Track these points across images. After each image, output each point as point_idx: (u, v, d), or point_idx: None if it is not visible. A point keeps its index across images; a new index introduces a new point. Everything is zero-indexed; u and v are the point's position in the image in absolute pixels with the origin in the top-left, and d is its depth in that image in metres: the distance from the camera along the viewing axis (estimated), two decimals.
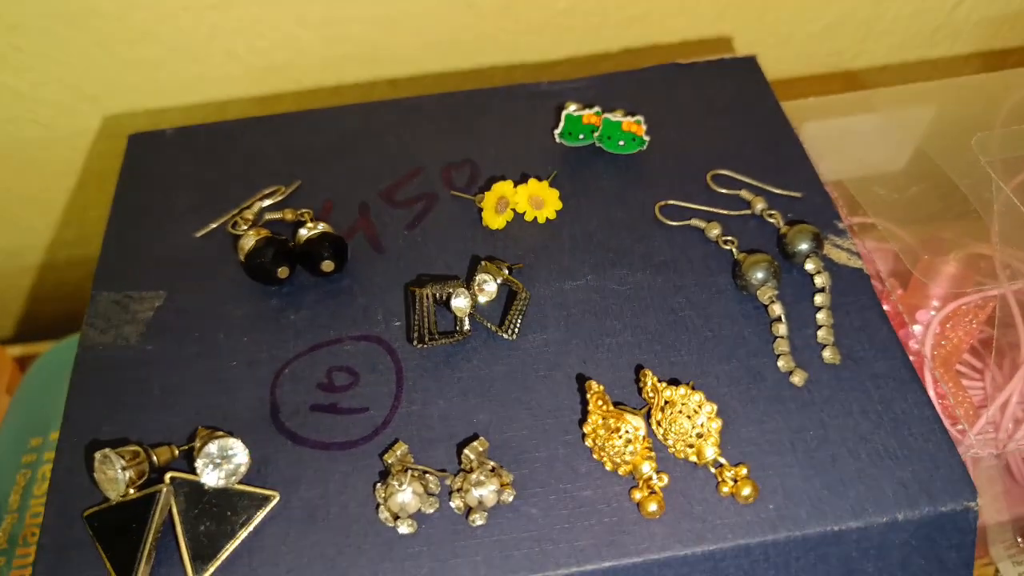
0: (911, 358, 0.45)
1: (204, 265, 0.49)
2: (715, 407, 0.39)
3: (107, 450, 0.38)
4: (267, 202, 0.50)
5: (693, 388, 0.40)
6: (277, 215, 0.49)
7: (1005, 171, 0.55)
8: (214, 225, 0.50)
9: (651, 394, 0.40)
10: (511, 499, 0.39)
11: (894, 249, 0.56)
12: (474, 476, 0.38)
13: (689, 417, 0.39)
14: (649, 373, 0.41)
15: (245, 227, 0.48)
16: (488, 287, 0.43)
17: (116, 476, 0.37)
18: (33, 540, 0.60)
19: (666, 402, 0.40)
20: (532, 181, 0.49)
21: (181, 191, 0.53)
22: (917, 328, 0.52)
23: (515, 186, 0.49)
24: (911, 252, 0.54)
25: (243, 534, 0.38)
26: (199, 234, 0.50)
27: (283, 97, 0.72)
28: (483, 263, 0.44)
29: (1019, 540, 0.57)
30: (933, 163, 0.59)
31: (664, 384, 0.40)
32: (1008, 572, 0.60)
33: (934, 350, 0.51)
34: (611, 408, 0.40)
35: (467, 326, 0.43)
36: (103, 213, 0.81)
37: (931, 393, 0.49)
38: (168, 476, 0.39)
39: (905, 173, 0.61)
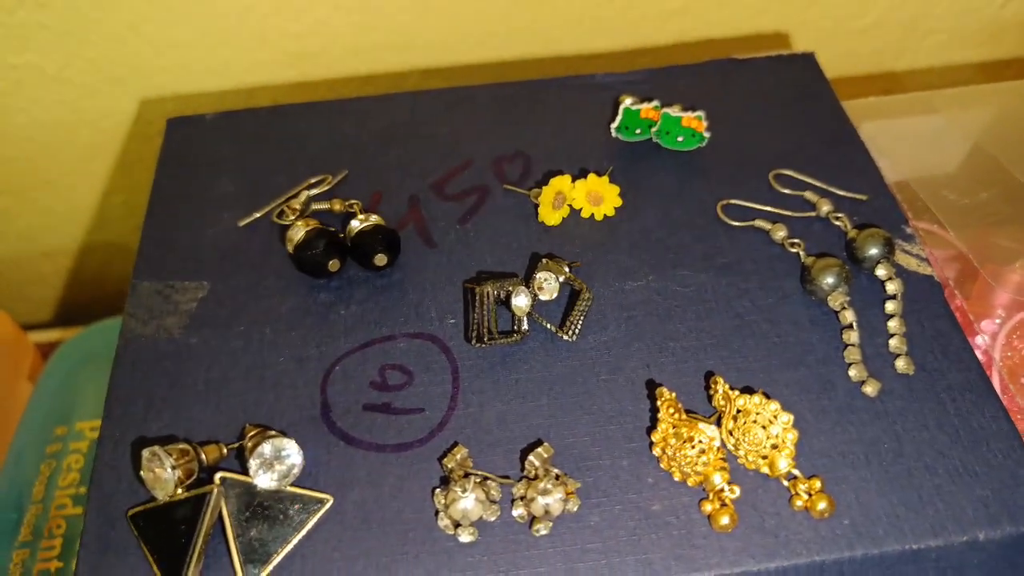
0: None
1: (248, 255, 0.47)
2: (792, 417, 0.38)
3: (156, 448, 0.36)
4: (314, 191, 0.48)
5: (767, 397, 0.38)
6: (325, 205, 0.48)
7: None
8: (258, 214, 0.48)
9: (722, 402, 0.39)
10: (576, 508, 0.37)
11: (955, 254, 0.54)
12: (541, 484, 0.36)
13: (764, 427, 0.38)
14: (720, 380, 0.39)
15: (292, 217, 0.46)
16: (549, 286, 0.41)
17: (165, 475, 0.36)
18: (59, 532, 0.58)
19: (739, 411, 0.38)
20: (591, 176, 0.47)
21: (222, 178, 0.51)
22: (981, 339, 0.50)
23: (573, 181, 0.47)
24: (976, 258, 0.52)
25: (296, 538, 0.36)
26: (243, 223, 0.48)
27: (314, 84, 0.70)
28: (544, 261, 0.42)
29: None
30: (996, 165, 0.57)
31: (737, 392, 0.38)
32: None
33: (1002, 361, 0.49)
34: (683, 416, 0.38)
35: (526, 326, 0.42)
36: (126, 199, 0.79)
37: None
38: (218, 476, 0.37)
39: (966, 175, 0.59)
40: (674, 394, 0.39)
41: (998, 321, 0.51)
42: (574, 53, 0.70)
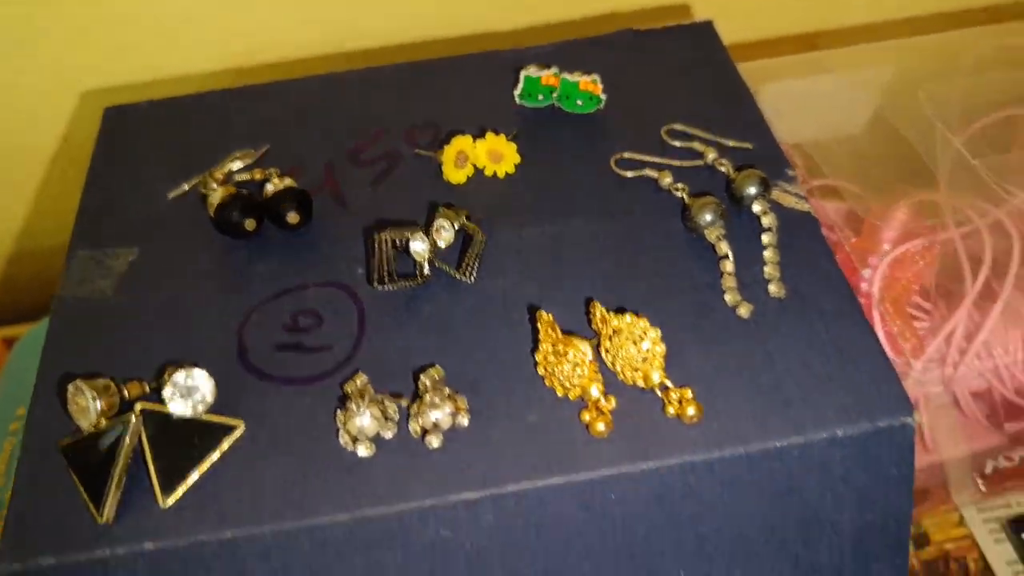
0: (861, 300, 0.47)
1: (176, 224, 0.51)
2: (659, 332, 0.41)
3: (79, 381, 0.40)
4: (237, 164, 0.52)
5: (637, 315, 0.42)
6: (246, 176, 0.52)
7: (952, 124, 0.57)
8: (186, 187, 0.52)
9: (600, 324, 0.42)
10: (466, 423, 0.41)
11: (849, 205, 0.58)
12: (428, 398, 0.40)
13: (635, 343, 0.41)
14: (598, 305, 0.43)
15: (215, 186, 0.50)
16: (445, 232, 0.45)
17: (88, 406, 0.39)
18: None
19: (614, 331, 0.42)
20: (490, 135, 0.51)
21: (154, 159, 0.55)
22: (867, 273, 0.54)
23: (474, 141, 0.51)
24: (864, 201, 0.56)
25: (209, 460, 0.40)
26: (171, 195, 0.52)
27: (256, 71, 0.74)
28: (441, 209, 0.46)
29: (978, 481, 0.58)
30: (891, 124, 0.61)
31: (612, 314, 0.42)
32: (972, 518, 0.62)
33: (883, 292, 0.53)
34: (560, 335, 0.41)
35: (427, 270, 0.45)
36: (58, 204, 0.82)
37: (880, 333, 0.51)
38: (137, 406, 0.41)
39: (864, 134, 0.63)
40: (551, 315, 0.42)
41: (883, 257, 0.54)
42: (483, 32, 0.74)
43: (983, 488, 0.60)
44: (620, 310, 0.43)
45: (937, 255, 0.53)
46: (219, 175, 0.50)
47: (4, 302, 0.90)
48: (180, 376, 0.40)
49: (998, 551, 0.60)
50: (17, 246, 0.87)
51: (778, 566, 0.42)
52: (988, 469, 0.60)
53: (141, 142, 0.57)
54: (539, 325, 0.42)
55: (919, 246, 0.53)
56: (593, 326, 0.43)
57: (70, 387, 0.40)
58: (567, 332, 0.43)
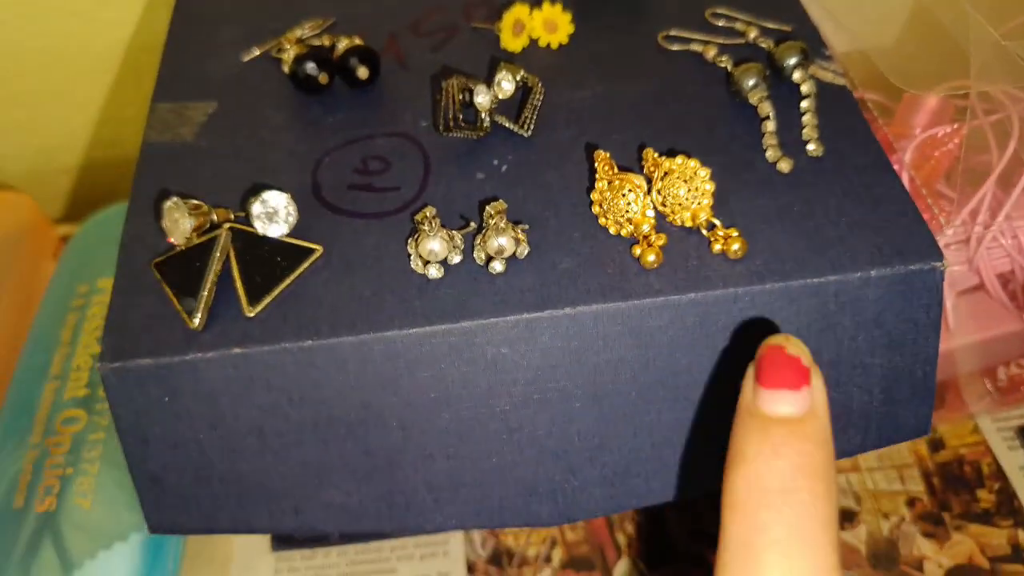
0: None
1: (251, 83, 0.55)
2: (709, 171, 0.44)
3: (176, 198, 0.43)
4: (307, 32, 0.56)
5: (688, 157, 0.45)
6: (316, 42, 0.55)
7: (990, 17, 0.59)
8: (258, 51, 0.55)
9: (652, 168, 0.45)
10: (526, 252, 0.44)
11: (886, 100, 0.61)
12: (493, 223, 0.43)
13: (686, 182, 0.44)
14: (651, 149, 0.46)
15: (288, 47, 0.53)
16: (506, 85, 0.48)
17: (182, 220, 0.43)
18: (85, 367, 0.65)
19: (665, 172, 0.45)
20: (546, 4, 0.54)
21: (227, 28, 0.59)
22: (897, 155, 0.57)
23: (530, 11, 0.54)
24: (899, 91, 0.59)
25: (291, 278, 0.43)
26: (246, 58, 0.56)
27: None
28: (502, 63, 0.49)
29: (989, 387, 0.62)
30: (929, 22, 0.63)
31: (664, 157, 0.45)
32: (987, 427, 0.65)
33: (912, 172, 0.56)
34: (617, 171, 0.45)
35: (487, 123, 0.49)
36: (140, 112, 0.85)
37: None
38: (226, 225, 0.44)
39: (904, 34, 0.65)
40: (608, 153, 0.46)
41: (913, 140, 0.57)
42: None
43: (996, 396, 0.63)
44: (670, 153, 0.47)
45: (964, 138, 0.56)
46: (292, 38, 0.54)
47: (59, 209, 0.92)
48: (268, 194, 0.43)
49: (1011, 457, 0.64)
50: (68, 158, 0.89)
51: None
52: (1001, 376, 0.63)
53: (214, 14, 0.60)
54: (596, 163, 0.45)
55: (948, 129, 0.56)
56: (645, 170, 0.46)
57: (167, 202, 0.43)
58: (622, 169, 0.46)
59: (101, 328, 0.66)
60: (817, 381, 0.35)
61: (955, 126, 0.56)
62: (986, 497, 0.62)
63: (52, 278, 0.74)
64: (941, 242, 0.55)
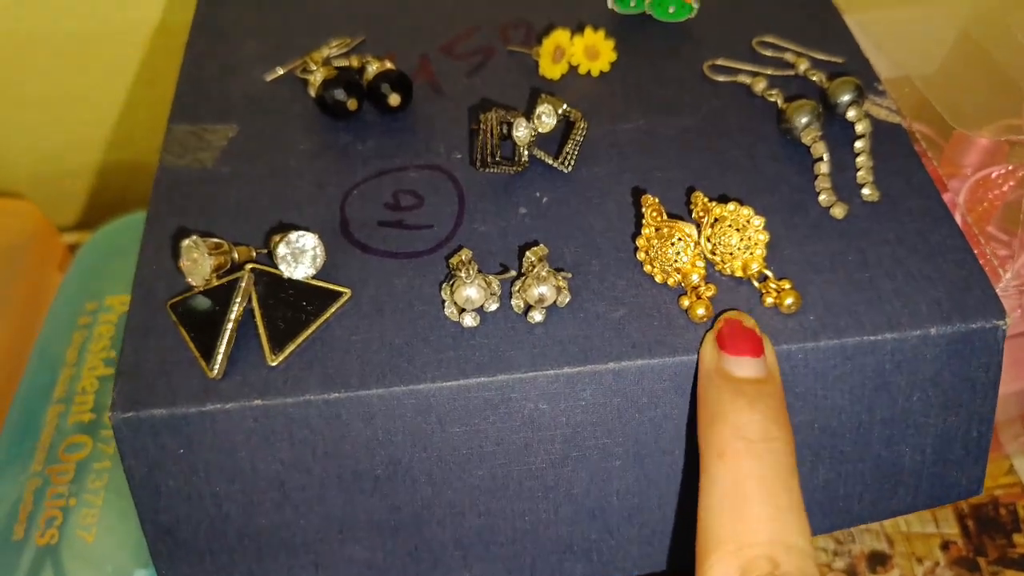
0: None
1: (274, 105, 0.52)
2: (764, 220, 0.42)
3: (195, 237, 0.40)
4: (334, 51, 0.53)
5: (741, 204, 0.42)
6: (344, 62, 0.52)
7: None
8: (282, 71, 0.53)
9: (702, 213, 0.43)
10: (567, 301, 0.41)
11: (933, 133, 0.58)
12: (535, 272, 0.40)
13: (738, 231, 0.42)
14: (700, 193, 0.43)
15: (315, 68, 0.50)
16: (547, 119, 0.46)
17: (202, 261, 0.40)
18: (91, 389, 0.63)
19: (716, 219, 0.42)
20: (588, 31, 0.51)
21: (249, 43, 0.56)
22: (949, 196, 0.54)
23: (571, 36, 0.51)
24: (948, 132, 0.56)
25: (317, 323, 0.41)
26: (269, 78, 0.53)
27: None
28: (543, 96, 0.47)
29: None
30: (976, 52, 0.60)
31: (714, 202, 0.43)
32: (1022, 467, 0.62)
33: (967, 214, 0.53)
34: (666, 219, 0.42)
35: (526, 157, 0.46)
36: (154, 115, 0.83)
37: None
38: (249, 266, 0.41)
39: (949, 62, 0.63)
40: (657, 199, 0.43)
41: (966, 178, 0.55)
42: None
43: None
44: (722, 198, 0.44)
45: (1021, 180, 0.54)
46: (318, 58, 0.51)
47: (70, 213, 0.91)
48: (293, 237, 0.41)
49: None
50: (80, 160, 0.87)
51: (860, 466, 0.43)
52: None
53: (235, 27, 0.57)
54: (644, 208, 0.42)
55: (1002, 170, 0.54)
56: (694, 215, 0.43)
57: (186, 242, 0.40)
58: (671, 214, 0.43)
59: (108, 349, 0.64)
60: (769, 348, 0.39)
61: (1010, 167, 0.53)
62: (1023, 543, 0.60)
63: (58, 293, 0.71)
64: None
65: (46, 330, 0.69)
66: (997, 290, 0.49)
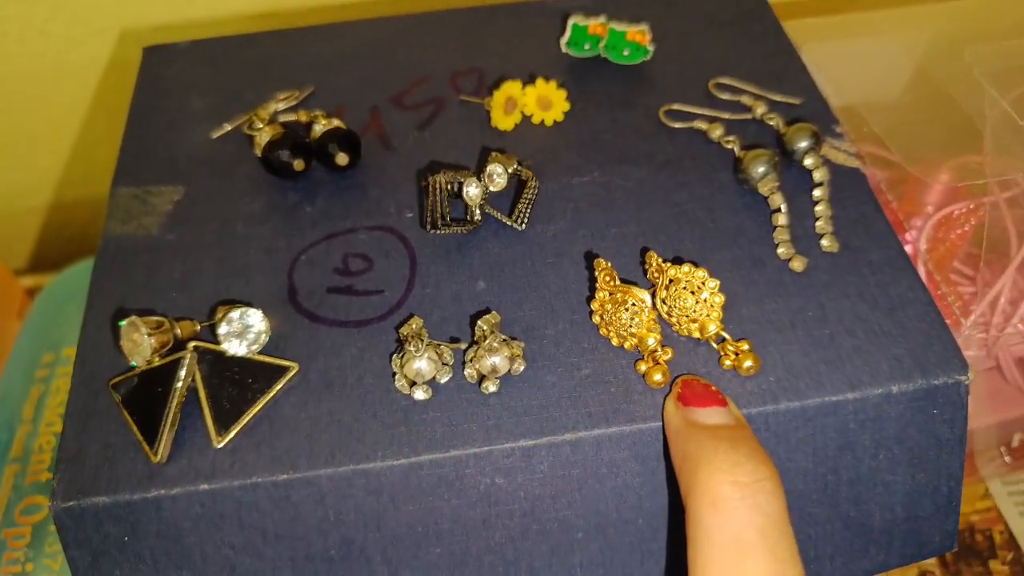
0: None
1: (221, 163, 0.51)
2: (718, 282, 0.41)
3: (134, 317, 0.39)
4: (282, 105, 0.52)
5: (696, 266, 0.41)
6: (291, 117, 0.51)
7: (999, 84, 0.56)
8: (229, 127, 0.52)
9: (656, 274, 0.42)
10: (521, 369, 0.40)
11: (890, 172, 0.57)
12: (487, 343, 0.39)
13: (693, 293, 0.41)
14: (654, 254, 0.42)
15: (261, 126, 0.49)
16: (499, 178, 0.45)
17: (142, 342, 0.39)
18: (48, 447, 0.62)
19: (671, 280, 0.41)
20: (540, 81, 0.50)
21: (196, 98, 0.55)
22: (911, 235, 0.54)
23: (523, 87, 0.50)
24: (906, 164, 0.56)
25: (264, 401, 0.40)
26: (215, 135, 0.52)
27: (289, 14, 0.73)
28: (493, 154, 0.46)
29: (1002, 451, 0.58)
30: (932, 84, 0.60)
31: (668, 263, 0.42)
32: (998, 491, 0.62)
33: (928, 253, 0.53)
34: (618, 283, 0.41)
35: (478, 216, 0.45)
36: (111, 151, 0.82)
37: None
38: (191, 344, 0.40)
39: (905, 96, 0.62)
40: (610, 264, 0.42)
41: (927, 218, 0.54)
42: None
43: (1009, 460, 0.60)
44: (676, 260, 0.43)
45: (982, 218, 0.53)
46: (264, 115, 0.50)
47: (29, 252, 0.90)
48: (236, 315, 0.40)
49: (1023, 524, 0.61)
50: (38, 198, 0.86)
51: (830, 527, 0.42)
52: (1015, 442, 0.60)
53: (181, 82, 0.56)
54: (597, 272, 0.42)
55: (963, 209, 0.53)
56: (649, 276, 0.42)
57: (125, 323, 0.39)
58: (624, 280, 0.42)
59: (64, 404, 0.62)
60: (730, 401, 0.39)
61: (971, 206, 0.53)
62: (999, 569, 0.59)
63: (15, 345, 0.70)
64: (960, 331, 0.51)
65: (3, 385, 0.68)
66: (961, 332, 0.48)
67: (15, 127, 0.80)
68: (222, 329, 0.40)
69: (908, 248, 0.53)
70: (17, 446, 0.63)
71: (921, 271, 0.52)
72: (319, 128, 0.48)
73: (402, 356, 0.40)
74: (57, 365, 0.67)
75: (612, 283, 0.41)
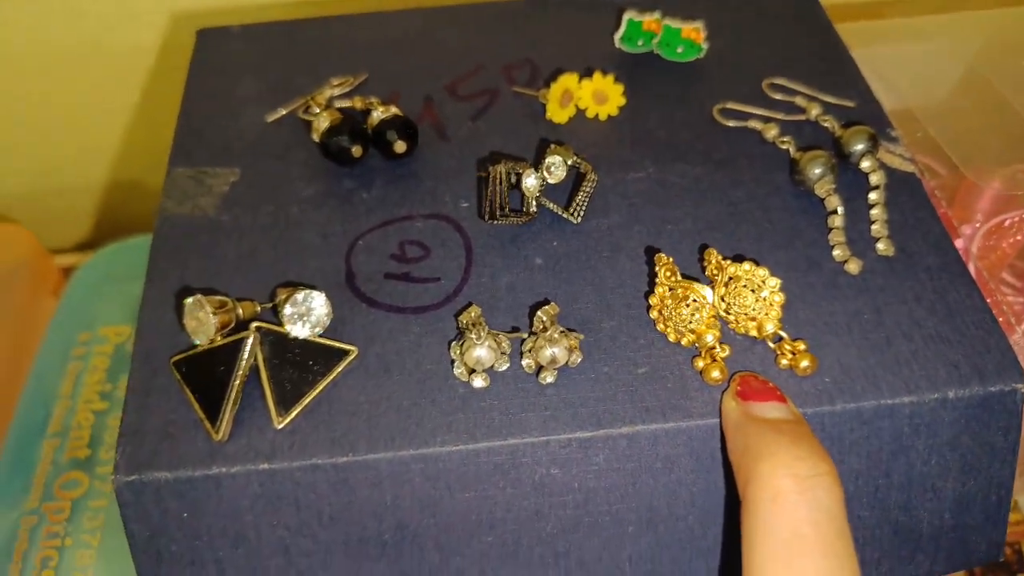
0: None
1: (276, 147, 0.51)
2: (779, 281, 0.41)
3: (199, 296, 0.39)
4: (336, 91, 0.52)
5: (757, 264, 0.41)
6: (347, 103, 0.51)
7: None
8: (284, 111, 0.52)
9: (715, 272, 0.42)
10: (579, 361, 0.40)
11: (938, 179, 0.57)
12: (547, 334, 0.39)
13: (753, 291, 0.41)
14: (714, 251, 0.42)
15: (318, 111, 0.49)
16: (557, 169, 0.45)
17: (207, 320, 0.39)
18: (87, 423, 0.62)
19: (730, 278, 0.41)
20: (596, 75, 0.50)
21: (249, 82, 0.55)
22: (961, 242, 0.54)
23: (579, 80, 0.50)
24: (958, 169, 0.56)
25: (323, 383, 0.40)
26: (271, 119, 0.52)
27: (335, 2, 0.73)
28: (552, 146, 0.46)
29: None
30: (985, 88, 0.60)
31: (728, 261, 0.42)
32: None
33: (979, 261, 0.53)
34: (679, 279, 0.41)
35: (534, 207, 0.45)
36: (147, 135, 0.82)
37: None
38: (254, 325, 0.40)
39: (957, 98, 0.62)
40: (672, 259, 0.42)
41: (977, 225, 0.54)
42: None
43: None
44: (737, 257, 0.43)
45: None
46: (321, 100, 0.50)
47: (67, 231, 0.90)
48: (300, 296, 0.40)
49: None
50: (76, 178, 0.86)
51: (878, 531, 0.42)
52: None
53: (234, 66, 0.56)
54: (657, 267, 0.42)
55: (1015, 218, 0.53)
56: (707, 273, 0.43)
57: (190, 301, 0.39)
58: (685, 276, 0.42)
59: (103, 381, 0.63)
60: (788, 399, 0.39)
61: (1019, 214, 0.53)
62: None
63: (51, 323, 0.70)
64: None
65: (40, 361, 0.68)
66: (1013, 337, 0.48)
67: (55, 106, 0.80)
68: (287, 311, 0.40)
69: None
70: (55, 423, 0.63)
71: (974, 275, 0.51)
72: (377, 115, 0.48)
73: (462, 344, 0.40)
74: (93, 344, 0.68)
75: (673, 278, 0.41)
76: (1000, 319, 0.50)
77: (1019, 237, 0.53)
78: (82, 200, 0.87)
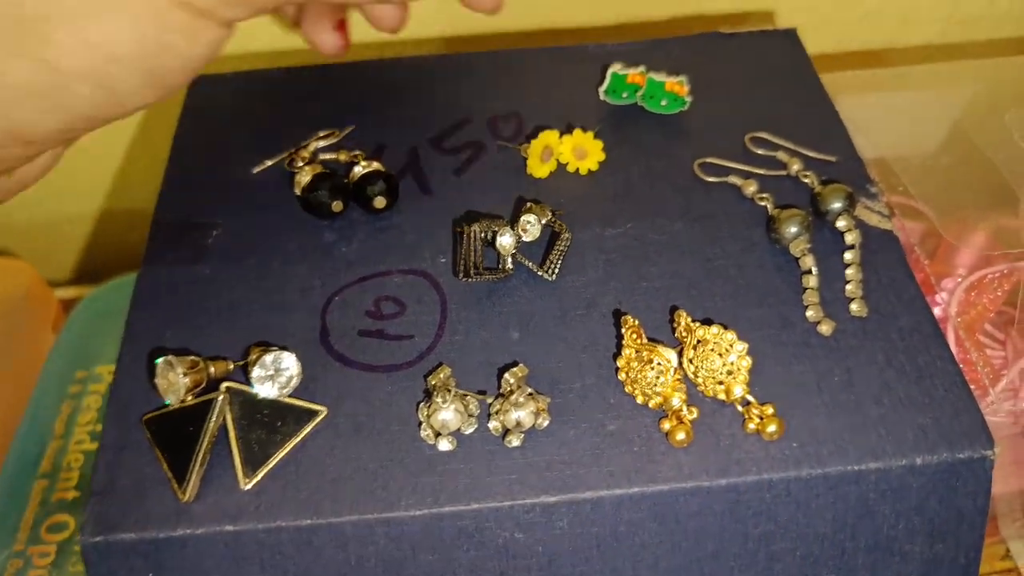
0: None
1: (261, 199, 0.51)
2: (747, 346, 0.41)
3: (170, 356, 0.40)
4: (322, 143, 0.52)
5: (725, 328, 0.41)
6: (332, 156, 0.52)
7: None
8: (270, 163, 0.52)
9: (684, 333, 0.42)
10: (546, 424, 0.41)
11: (924, 224, 0.57)
12: (513, 398, 0.40)
13: (720, 355, 0.41)
14: (683, 313, 0.43)
15: (301, 164, 0.50)
16: (532, 227, 0.45)
17: (177, 381, 0.40)
18: (76, 465, 0.62)
19: (699, 341, 0.42)
20: (577, 132, 0.51)
21: (238, 132, 0.56)
22: (940, 297, 0.54)
23: (560, 136, 0.51)
24: (940, 223, 0.56)
25: (292, 444, 0.40)
26: (256, 171, 0.53)
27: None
28: (528, 204, 0.46)
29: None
30: (969, 142, 0.60)
31: (697, 323, 0.42)
32: (1019, 551, 0.61)
33: (958, 316, 0.53)
34: (645, 342, 0.41)
35: (510, 264, 0.45)
36: (147, 165, 0.82)
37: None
38: (224, 385, 0.41)
39: (941, 153, 0.62)
40: (637, 321, 0.42)
41: (959, 280, 0.54)
42: (581, 25, 0.73)
43: None
44: (706, 321, 0.43)
45: (1016, 283, 0.53)
46: (305, 154, 0.50)
47: (67, 263, 0.90)
48: (269, 359, 0.40)
49: None
50: (77, 209, 0.86)
51: None
52: None
53: (224, 113, 0.57)
54: (624, 330, 0.42)
55: (996, 273, 0.53)
56: (677, 335, 0.43)
57: (161, 362, 0.40)
58: (651, 339, 0.42)
59: (95, 422, 0.63)
60: None
61: (1004, 270, 0.52)
62: None
63: (49, 357, 0.70)
64: (987, 398, 0.51)
65: (36, 397, 0.69)
66: (987, 398, 0.48)
67: None
68: (256, 372, 0.40)
69: (938, 311, 0.53)
70: (47, 462, 0.64)
71: (950, 335, 0.51)
72: (359, 170, 0.49)
73: (429, 406, 0.40)
74: (89, 382, 0.68)
75: (639, 341, 0.41)
76: (976, 381, 0.50)
77: (1000, 292, 0.53)
78: (81, 230, 0.88)
